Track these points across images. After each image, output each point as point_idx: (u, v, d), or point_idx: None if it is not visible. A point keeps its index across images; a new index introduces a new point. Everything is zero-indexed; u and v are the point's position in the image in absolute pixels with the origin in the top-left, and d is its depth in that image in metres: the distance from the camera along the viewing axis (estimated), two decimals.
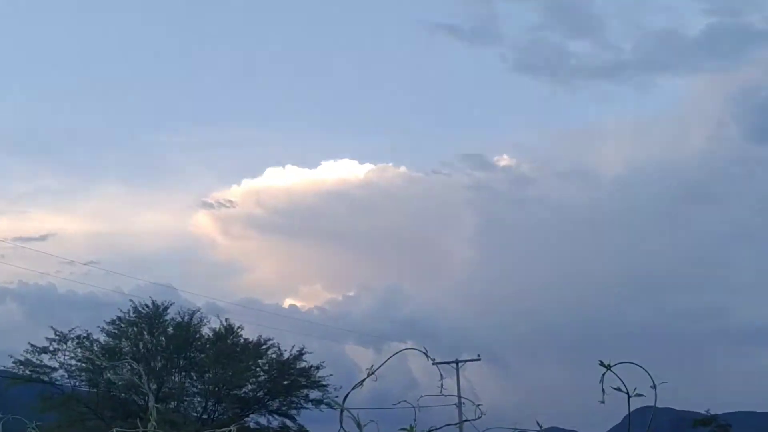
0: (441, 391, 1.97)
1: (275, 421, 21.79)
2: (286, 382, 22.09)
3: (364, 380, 2.17)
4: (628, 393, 1.73)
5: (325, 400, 21.86)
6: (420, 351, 2.18)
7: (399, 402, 2.32)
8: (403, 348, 2.18)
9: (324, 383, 22.50)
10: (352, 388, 2.20)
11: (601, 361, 1.84)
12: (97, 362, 20.44)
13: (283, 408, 21.98)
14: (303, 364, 22.55)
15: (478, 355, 30.43)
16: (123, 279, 46.28)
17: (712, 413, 30.14)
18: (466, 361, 29.86)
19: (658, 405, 1.73)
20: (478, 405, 2.15)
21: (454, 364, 29.11)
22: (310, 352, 22.78)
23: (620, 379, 1.74)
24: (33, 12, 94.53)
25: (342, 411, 1.88)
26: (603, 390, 1.78)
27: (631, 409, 1.81)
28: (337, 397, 21.59)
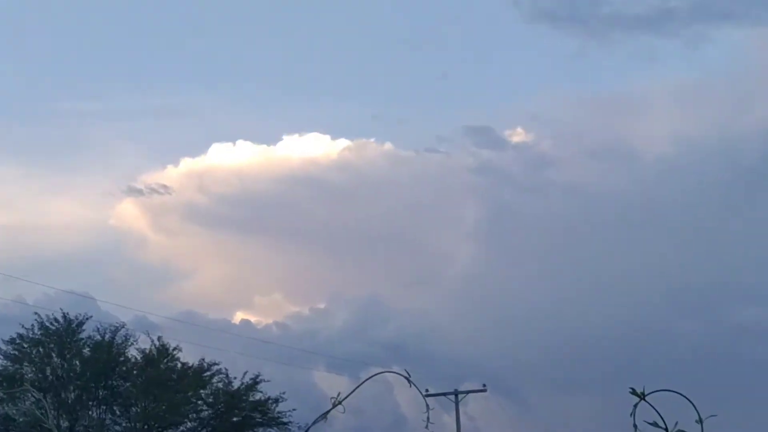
0: (427, 426, 1.95)
1: None
2: (236, 419, 22.02)
3: (328, 412, 2.14)
4: (666, 429, 1.72)
5: None
6: (401, 375, 2.16)
7: None
8: (379, 372, 2.15)
9: (285, 420, 22.48)
10: (314, 422, 2.17)
11: (633, 389, 1.81)
12: None
13: None
14: (258, 396, 22.52)
15: (484, 385, 30.35)
16: (25, 286, 45.60)
17: None
18: (467, 392, 29.78)
19: None
20: None
21: (452, 396, 29.08)
22: (268, 381, 22.74)
23: (657, 411, 1.71)
24: None
25: None
26: (635, 426, 1.77)
27: None
28: None
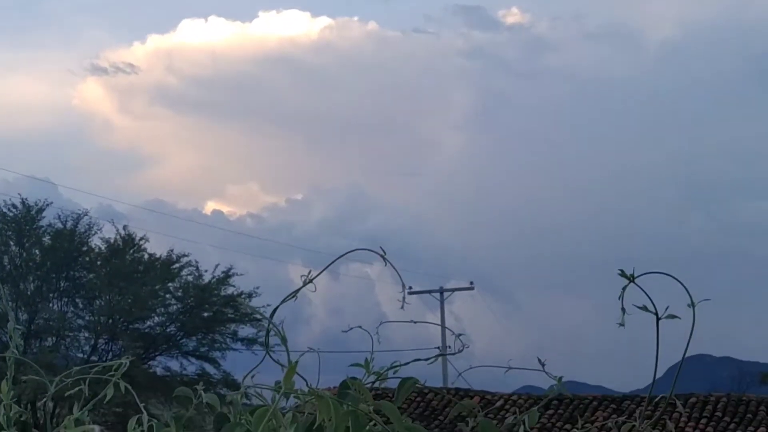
0: (402, 306, 1.93)
1: (191, 366, 22.50)
2: (206, 314, 22.56)
3: (298, 290, 2.09)
4: (657, 314, 1.72)
5: (259, 339, 22.58)
6: (375, 252, 2.11)
7: (351, 328, 2.33)
8: (353, 249, 2.09)
9: (258, 317, 23.10)
10: (283, 301, 2.13)
11: (621, 270, 1.80)
12: None
13: (203, 349, 22.58)
14: (230, 291, 23.00)
15: (471, 283, 30.88)
16: None
17: None
18: (454, 290, 30.22)
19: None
20: (459, 335, 2.16)
21: (437, 295, 29.57)
22: (241, 275, 23.16)
23: (647, 293, 1.71)
24: None
25: (269, 328, 1.84)
26: (623, 309, 1.77)
27: (683, 356, 1.75)
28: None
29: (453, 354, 2.11)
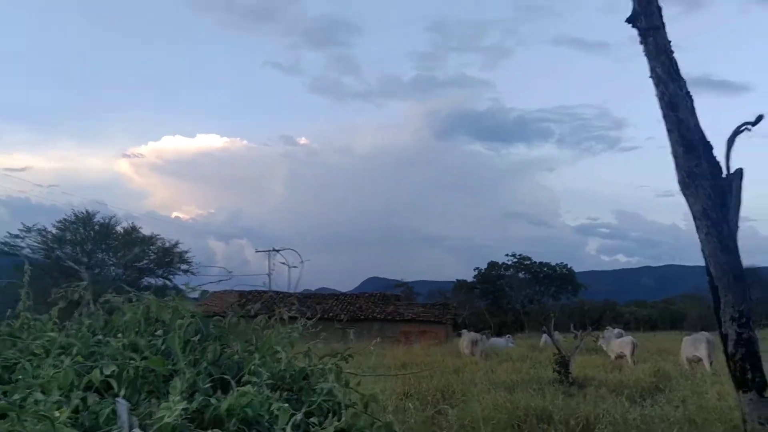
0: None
1: (160, 281, 50.29)
2: (167, 259, 50.44)
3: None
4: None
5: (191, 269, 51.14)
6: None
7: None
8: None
9: (189, 260, 51.50)
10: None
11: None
12: (51, 244, 46.22)
13: (165, 274, 50.45)
14: (178, 249, 50.98)
15: (281, 248, 62.22)
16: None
17: (405, 280, 69.16)
18: (281, 249, 61.24)
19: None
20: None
21: (274, 252, 60.17)
22: (182, 243, 51.06)
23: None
24: None
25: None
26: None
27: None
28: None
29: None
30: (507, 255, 73.23)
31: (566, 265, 72.61)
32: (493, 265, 73.03)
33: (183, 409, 2.37)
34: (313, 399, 2.73)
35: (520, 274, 72.39)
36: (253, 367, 2.83)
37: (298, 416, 2.50)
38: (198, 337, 3.04)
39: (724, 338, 7.85)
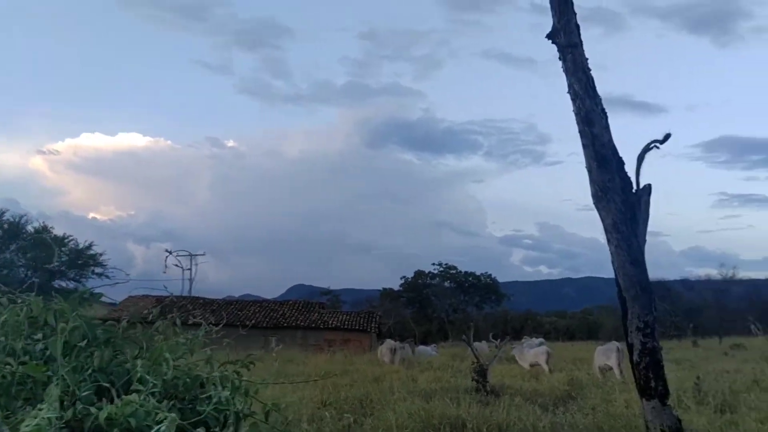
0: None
1: (72, 284, 47.98)
2: (80, 262, 48.24)
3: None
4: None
5: (106, 272, 49.16)
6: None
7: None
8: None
9: (104, 264, 49.47)
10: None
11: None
12: None
13: (77, 277, 48.20)
14: (91, 252, 48.85)
15: (203, 252, 60.90)
16: None
17: (332, 288, 69.24)
18: (196, 255, 59.81)
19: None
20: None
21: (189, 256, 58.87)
22: (98, 245, 48.95)
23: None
24: None
25: None
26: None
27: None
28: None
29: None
30: (434, 264, 74.23)
31: (490, 275, 74.27)
32: (419, 274, 73.79)
33: (57, 418, 2.21)
34: (204, 408, 2.62)
35: (446, 283, 73.48)
36: (140, 374, 2.69)
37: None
38: (85, 342, 2.87)
39: (630, 348, 8.17)
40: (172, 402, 2.71)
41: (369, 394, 11.92)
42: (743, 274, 56.95)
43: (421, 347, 35.34)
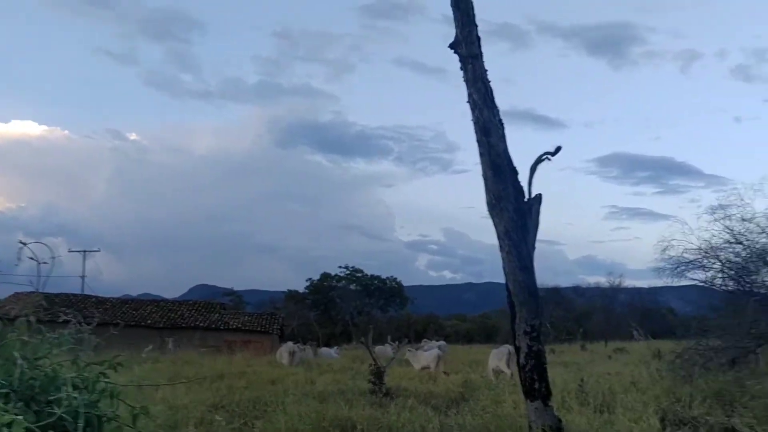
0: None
1: None
2: None
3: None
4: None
5: None
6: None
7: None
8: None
9: None
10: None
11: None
12: None
13: None
14: None
15: (98, 249, 57.72)
16: None
17: (236, 289, 68.33)
18: (90, 251, 56.69)
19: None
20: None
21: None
22: None
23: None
24: None
25: None
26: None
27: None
28: None
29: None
30: (340, 267, 74.26)
31: (396, 278, 75.15)
32: (325, 276, 73.60)
33: None
34: (54, 411, 2.47)
35: (352, 286, 73.67)
36: None
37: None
38: None
39: (518, 350, 8.49)
40: (23, 403, 2.53)
41: (263, 396, 11.73)
42: (629, 282, 60.51)
43: (324, 349, 35.27)
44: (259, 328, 41.76)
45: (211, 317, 42.83)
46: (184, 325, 41.25)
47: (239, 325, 41.94)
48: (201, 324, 41.76)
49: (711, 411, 10.08)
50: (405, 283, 79.93)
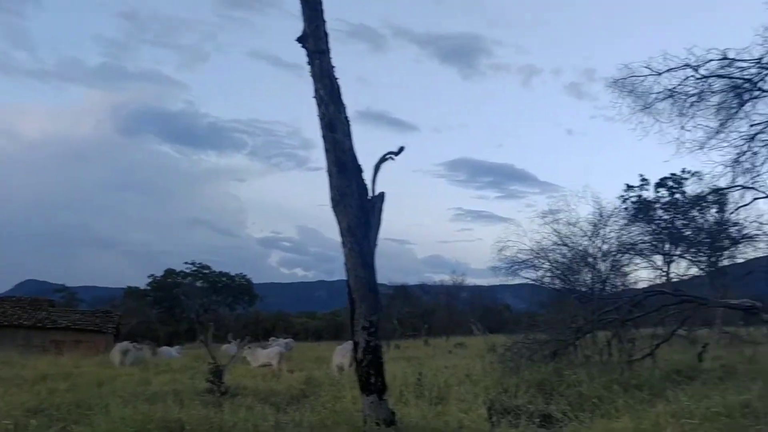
0: None
1: None
2: None
3: None
4: None
5: None
6: None
7: None
8: None
9: None
10: None
11: None
12: None
13: None
14: None
15: None
16: None
17: (68, 285, 63.96)
18: None
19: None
20: None
21: None
22: None
23: None
24: None
25: None
26: None
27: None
28: None
29: None
30: (186, 263, 71.26)
31: (245, 275, 73.48)
32: (170, 272, 70.28)
33: None
34: None
35: (198, 283, 71.00)
36: None
37: None
38: None
39: (356, 345, 8.59)
40: None
41: (88, 399, 10.91)
42: (470, 280, 63.90)
43: (164, 348, 33.70)
44: (92, 327, 38.96)
45: (37, 315, 39.30)
46: (6, 323, 37.54)
47: (69, 324, 38.86)
48: (25, 322, 38.21)
49: (533, 400, 10.89)
50: (256, 281, 78.44)
